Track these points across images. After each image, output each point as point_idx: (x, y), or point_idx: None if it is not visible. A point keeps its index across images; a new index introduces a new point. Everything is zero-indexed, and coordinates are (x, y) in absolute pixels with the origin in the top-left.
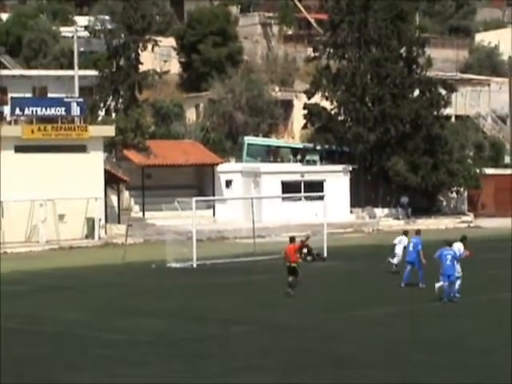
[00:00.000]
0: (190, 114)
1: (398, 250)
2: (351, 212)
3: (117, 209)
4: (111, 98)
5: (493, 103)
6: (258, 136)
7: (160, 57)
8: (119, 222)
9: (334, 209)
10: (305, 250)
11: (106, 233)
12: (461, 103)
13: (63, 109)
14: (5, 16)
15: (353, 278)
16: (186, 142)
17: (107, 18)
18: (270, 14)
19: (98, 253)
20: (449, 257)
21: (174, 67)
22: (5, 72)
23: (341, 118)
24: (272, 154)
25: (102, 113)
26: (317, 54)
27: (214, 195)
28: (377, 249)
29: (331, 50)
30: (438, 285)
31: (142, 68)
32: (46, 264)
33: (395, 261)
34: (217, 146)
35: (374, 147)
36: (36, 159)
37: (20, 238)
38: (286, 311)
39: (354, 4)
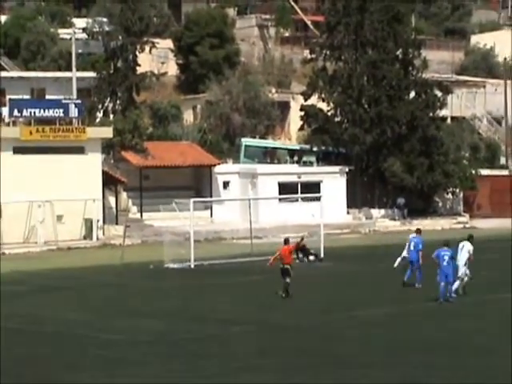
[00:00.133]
0: (188, 116)
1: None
2: (348, 213)
3: (115, 210)
4: (109, 99)
5: (488, 105)
6: (255, 137)
7: (157, 59)
8: (117, 223)
9: (330, 210)
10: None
11: (103, 234)
12: (456, 105)
13: (61, 110)
14: (3, 18)
15: (350, 278)
16: (184, 144)
17: (105, 20)
18: (267, 16)
19: (96, 253)
20: (446, 257)
21: (172, 69)
22: (3, 74)
23: (337, 119)
24: (269, 156)
25: (99, 114)
26: (313, 55)
27: (211, 196)
28: (373, 249)
29: (328, 52)
30: (453, 288)
31: (139, 70)
32: (45, 265)
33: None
34: (214, 147)
35: (371, 148)
36: (34, 160)
37: (18, 239)
38: (284, 311)
39: (350, 6)
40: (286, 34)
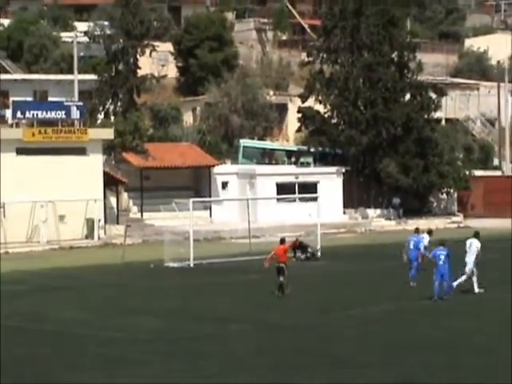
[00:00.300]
0: (187, 117)
1: (421, 249)
2: (344, 213)
3: (116, 210)
4: (110, 101)
5: (482, 107)
6: (253, 139)
7: (158, 61)
8: (118, 223)
9: (327, 210)
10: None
11: (105, 233)
12: (451, 107)
13: (63, 112)
14: (6, 22)
15: (346, 277)
16: (183, 145)
17: (106, 23)
18: (265, 20)
19: (98, 253)
20: (442, 257)
21: (172, 71)
22: (6, 76)
23: (334, 121)
24: (267, 157)
25: (101, 116)
26: (310, 58)
27: (210, 196)
28: (369, 249)
29: (325, 55)
30: (455, 283)
31: (140, 72)
32: (47, 264)
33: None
34: (213, 148)
35: (367, 150)
36: (37, 161)
37: (21, 238)
38: (281, 310)
39: (346, 10)
40: (284, 38)
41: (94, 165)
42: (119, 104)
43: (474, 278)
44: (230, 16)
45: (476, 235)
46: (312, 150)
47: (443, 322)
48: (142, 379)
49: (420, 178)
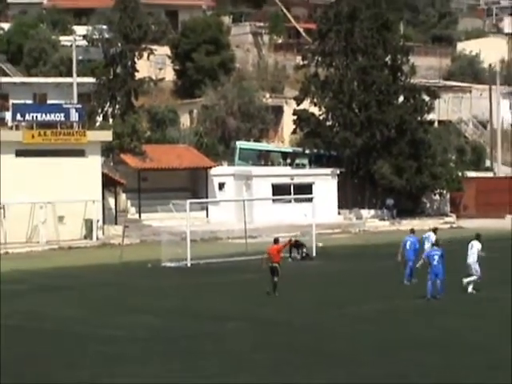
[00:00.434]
0: (184, 120)
1: (426, 247)
2: (339, 213)
3: (114, 211)
4: (108, 104)
5: (474, 109)
6: (249, 141)
7: (155, 65)
8: (116, 224)
9: (322, 210)
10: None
11: (103, 234)
12: (443, 109)
13: (62, 115)
14: (6, 25)
15: (341, 276)
16: (181, 147)
17: (105, 27)
18: (261, 24)
19: (96, 253)
20: (436, 257)
21: (169, 75)
22: (6, 79)
23: (329, 123)
24: (263, 158)
25: (99, 118)
26: (306, 62)
27: (207, 197)
28: (363, 249)
29: (319, 58)
30: (465, 280)
31: (138, 75)
32: (46, 263)
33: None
34: (210, 150)
35: (361, 151)
36: (36, 163)
37: (21, 239)
38: (277, 309)
39: (341, 14)
40: (280, 41)
41: (92, 166)
42: (117, 106)
43: (471, 278)
44: (227, 20)
45: (477, 237)
46: (307, 151)
47: (436, 320)
48: (141, 377)
49: (413, 180)
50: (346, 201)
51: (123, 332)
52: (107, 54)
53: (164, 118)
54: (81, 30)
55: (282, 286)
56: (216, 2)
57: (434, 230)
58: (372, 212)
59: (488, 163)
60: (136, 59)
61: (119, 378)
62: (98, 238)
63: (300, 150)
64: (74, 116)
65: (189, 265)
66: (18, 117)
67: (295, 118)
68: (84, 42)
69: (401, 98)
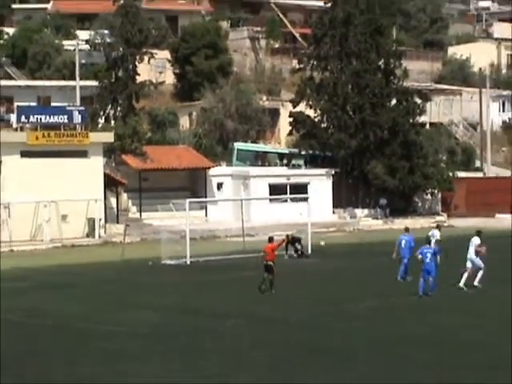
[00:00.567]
0: (184, 122)
1: (432, 244)
2: (333, 212)
3: (115, 210)
4: (110, 106)
5: (464, 111)
6: (246, 142)
7: (156, 68)
8: (118, 222)
9: (317, 209)
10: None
11: (105, 232)
12: (435, 111)
13: (66, 117)
14: (11, 30)
15: (335, 274)
16: (180, 148)
17: (107, 32)
18: (258, 29)
19: (98, 251)
20: (428, 255)
21: (169, 78)
22: (11, 82)
23: (324, 125)
24: (260, 159)
25: (101, 120)
26: (301, 65)
27: (206, 197)
28: (358, 247)
29: (315, 62)
30: (476, 282)
31: (139, 79)
32: (50, 261)
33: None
34: (208, 151)
35: (355, 152)
36: (40, 164)
37: (26, 237)
38: (274, 306)
39: (335, 19)
40: (276, 46)
41: (94, 167)
42: (119, 109)
43: (465, 274)
44: (225, 25)
45: (478, 233)
46: (303, 152)
47: (429, 317)
48: (141, 372)
49: (406, 180)
50: (341, 200)
51: (124, 328)
52: (109, 58)
53: (164, 120)
54: (83, 34)
55: (278, 284)
56: (214, 7)
57: (438, 227)
58: (366, 211)
59: (478, 164)
60: (137, 63)
61: (119, 374)
62: (100, 237)
63: (296, 150)
64: (77, 118)
65: (188, 262)
66: (23, 119)
67: (291, 120)
68: (87, 47)
69: (393, 101)
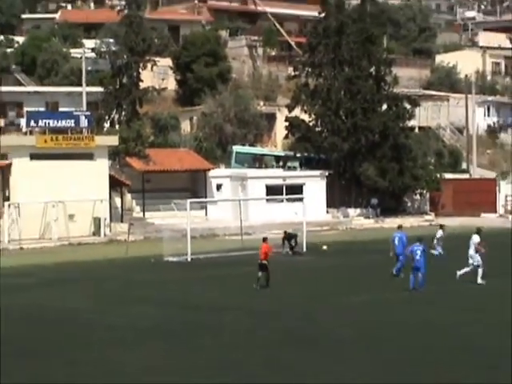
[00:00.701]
0: (185, 126)
1: (434, 242)
2: (327, 212)
3: (120, 209)
4: (115, 111)
5: (451, 116)
6: (244, 145)
7: (158, 75)
8: (122, 221)
9: (312, 209)
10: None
11: (110, 231)
12: (423, 116)
13: (73, 121)
14: (21, 39)
15: (329, 270)
16: (182, 151)
17: (112, 41)
18: (256, 38)
19: (104, 248)
20: (418, 252)
21: (171, 84)
22: (21, 89)
23: (318, 129)
24: (257, 161)
25: (107, 124)
26: (297, 72)
27: (206, 197)
28: (350, 245)
29: (309, 69)
30: (479, 280)
31: (142, 85)
32: (58, 258)
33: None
34: (208, 153)
35: (348, 155)
36: (49, 166)
37: (35, 235)
38: (271, 300)
39: (329, 29)
40: (273, 53)
41: (100, 169)
42: (123, 114)
43: (480, 270)
44: (224, 34)
45: (478, 231)
46: (298, 155)
47: (420, 311)
48: (140, 360)
49: (396, 181)
50: (334, 200)
51: (127, 321)
52: (114, 66)
53: (166, 124)
54: (90, 43)
55: (274, 280)
56: (214, 17)
57: (442, 227)
58: (358, 211)
59: (464, 166)
60: (140, 70)
61: (121, 360)
62: (105, 235)
63: (291, 153)
64: (84, 122)
65: (189, 259)
66: (32, 123)
67: (287, 124)
68: (93, 54)
69: (384, 106)
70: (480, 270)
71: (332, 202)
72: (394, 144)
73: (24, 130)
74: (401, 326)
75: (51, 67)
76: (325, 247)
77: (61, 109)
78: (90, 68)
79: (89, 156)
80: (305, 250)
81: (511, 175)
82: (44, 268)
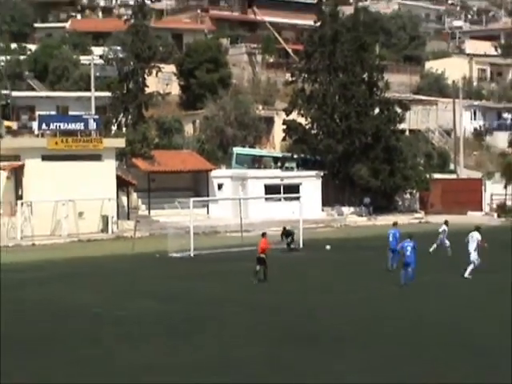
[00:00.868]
0: (188, 129)
1: (441, 236)
2: (322, 210)
3: (127, 208)
4: (122, 115)
5: (440, 120)
6: (244, 147)
7: (163, 81)
8: (129, 219)
9: (308, 207)
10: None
11: (117, 228)
12: (413, 119)
13: (82, 124)
14: (33, 47)
15: (324, 265)
16: (185, 152)
17: (119, 48)
18: (255, 45)
19: (111, 245)
20: (409, 248)
21: (175, 89)
22: (33, 93)
23: (314, 131)
24: (256, 162)
25: (114, 127)
26: (294, 78)
27: (208, 196)
28: (344, 241)
29: (306, 75)
30: (466, 274)
31: (147, 90)
32: (68, 254)
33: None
34: (210, 155)
35: (342, 156)
36: (59, 166)
37: (46, 232)
38: (270, 294)
39: (324, 37)
40: (271, 60)
41: (108, 169)
42: (130, 117)
43: (471, 266)
44: (225, 42)
45: (477, 229)
46: (295, 156)
47: (409, 303)
48: (145, 354)
49: (387, 181)
50: (329, 199)
51: (133, 314)
52: (121, 72)
53: (170, 127)
54: (98, 50)
55: (272, 275)
56: (216, 26)
57: (446, 222)
58: (351, 209)
59: (452, 166)
60: (146, 76)
61: (126, 353)
62: (113, 232)
63: (289, 155)
64: (92, 125)
65: (192, 255)
66: (44, 126)
67: (285, 127)
68: (101, 61)
69: (376, 110)
70: (471, 266)
71: (327, 201)
72: (385, 146)
73: (36, 132)
74: (399, 323)
75: (62, 73)
76: (328, 247)
77: (71, 113)
78: (98, 74)
79: (97, 157)
80: (301, 246)
81: (496, 175)
82: (54, 263)
